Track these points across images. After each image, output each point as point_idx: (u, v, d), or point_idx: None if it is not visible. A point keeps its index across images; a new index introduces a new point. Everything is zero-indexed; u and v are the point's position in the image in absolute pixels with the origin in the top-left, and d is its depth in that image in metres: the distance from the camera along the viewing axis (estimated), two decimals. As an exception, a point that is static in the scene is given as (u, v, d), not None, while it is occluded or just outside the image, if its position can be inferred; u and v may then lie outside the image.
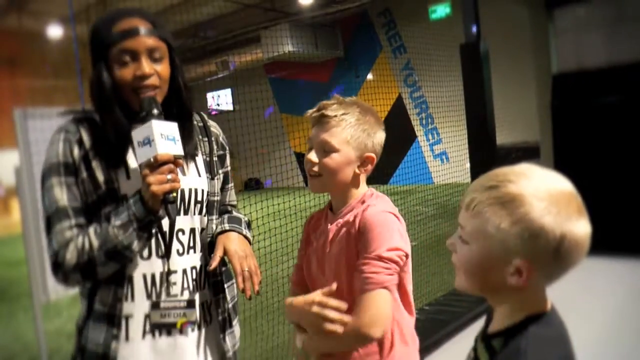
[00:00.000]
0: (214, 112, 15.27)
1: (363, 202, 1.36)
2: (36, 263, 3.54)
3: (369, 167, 1.38)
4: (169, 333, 1.32)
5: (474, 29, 3.97)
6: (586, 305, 3.71)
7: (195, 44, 12.34)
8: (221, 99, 15.37)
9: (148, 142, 1.21)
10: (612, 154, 5.39)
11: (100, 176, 1.27)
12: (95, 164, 1.27)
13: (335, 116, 1.32)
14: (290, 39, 11.58)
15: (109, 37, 1.25)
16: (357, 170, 1.36)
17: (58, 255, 1.23)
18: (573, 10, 5.77)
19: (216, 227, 1.43)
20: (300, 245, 1.52)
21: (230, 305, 1.45)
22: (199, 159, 1.42)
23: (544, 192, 0.86)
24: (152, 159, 1.20)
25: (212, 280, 1.42)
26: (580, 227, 0.86)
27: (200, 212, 1.39)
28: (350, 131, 1.32)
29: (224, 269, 1.46)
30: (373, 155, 1.37)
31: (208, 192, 1.41)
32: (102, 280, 1.27)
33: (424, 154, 11.80)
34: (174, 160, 1.24)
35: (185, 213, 1.36)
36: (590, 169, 5.54)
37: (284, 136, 12.50)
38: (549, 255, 0.86)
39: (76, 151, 1.27)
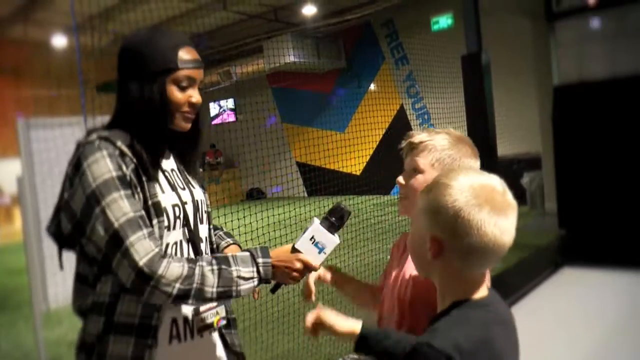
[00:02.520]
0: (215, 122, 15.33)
1: None
2: (37, 271, 3.54)
3: None
4: (201, 334, 1.39)
5: (476, 40, 3.99)
6: (583, 315, 3.70)
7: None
8: (223, 109, 15.41)
9: (321, 249, 1.34)
10: (613, 165, 5.39)
11: (148, 190, 1.29)
12: (144, 179, 1.30)
13: (421, 142, 1.35)
14: (293, 50, 11.62)
15: (175, 62, 1.33)
16: None
17: (153, 263, 1.18)
18: (574, 22, 5.80)
19: (219, 240, 1.56)
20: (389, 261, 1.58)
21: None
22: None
23: (461, 181, 0.98)
24: (313, 266, 1.34)
25: None
26: (481, 213, 0.94)
27: (207, 222, 1.49)
28: (436, 155, 1.34)
29: None
30: None
31: (206, 203, 1.50)
32: (124, 292, 1.27)
33: (426, 164, 11.81)
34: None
35: (201, 222, 1.45)
36: (591, 179, 5.54)
37: (285, 147, 12.51)
38: (448, 231, 0.96)
39: (124, 166, 1.26)
